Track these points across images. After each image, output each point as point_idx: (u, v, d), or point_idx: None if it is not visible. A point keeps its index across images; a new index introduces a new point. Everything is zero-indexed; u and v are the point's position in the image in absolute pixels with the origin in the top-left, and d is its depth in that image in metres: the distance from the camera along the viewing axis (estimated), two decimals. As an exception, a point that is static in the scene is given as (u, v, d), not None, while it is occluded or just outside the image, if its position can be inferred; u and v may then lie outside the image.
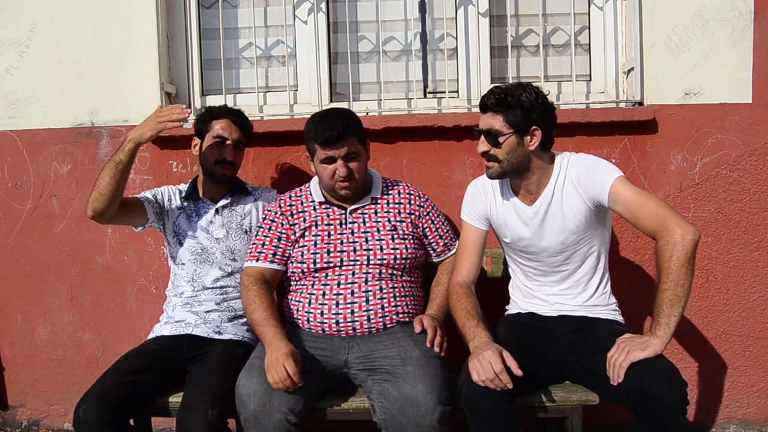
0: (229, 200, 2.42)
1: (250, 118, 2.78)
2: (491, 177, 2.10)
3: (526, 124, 1.99)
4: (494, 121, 2.01)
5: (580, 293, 2.15)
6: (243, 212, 2.44)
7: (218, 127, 2.35)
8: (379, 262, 2.15)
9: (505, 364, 1.82)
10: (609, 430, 2.70)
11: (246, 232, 2.41)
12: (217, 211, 2.40)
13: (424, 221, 2.28)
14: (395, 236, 2.19)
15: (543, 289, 2.20)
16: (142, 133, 2.21)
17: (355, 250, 2.16)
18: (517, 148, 2.02)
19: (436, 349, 2.04)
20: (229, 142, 2.35)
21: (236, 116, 2.40)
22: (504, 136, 2.00)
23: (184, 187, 2.49)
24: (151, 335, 2.35)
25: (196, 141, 2.41)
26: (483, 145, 2.05)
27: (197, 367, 2.14)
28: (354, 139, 2.13)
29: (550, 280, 2.18)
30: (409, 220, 2.25)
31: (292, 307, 2.22)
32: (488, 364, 1.81)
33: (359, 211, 2.22)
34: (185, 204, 2.42)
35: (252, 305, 2.11)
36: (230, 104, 2.91)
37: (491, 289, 2.39)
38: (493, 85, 2.07)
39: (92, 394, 1.98)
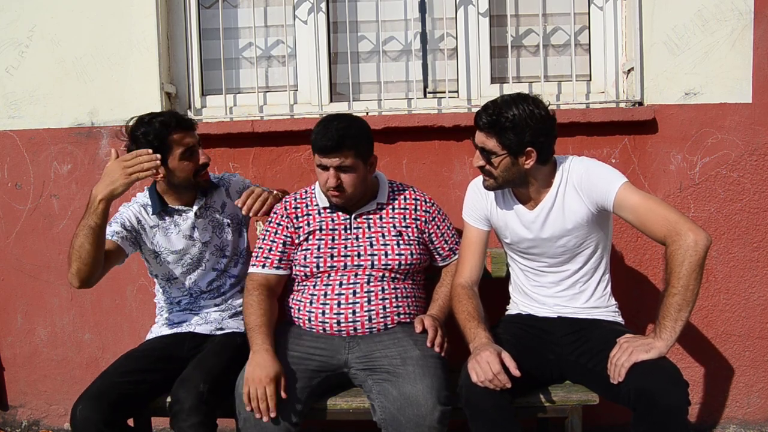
0: (203, 200, 2.31)
1: (250, 119, 2.80)
2: (488, 189, 2.10)
3: (520, 147, 1.94)
4: (488, 141, 1.97)
5: (578, 294, 2.15)
6: (218, 205, 2.36)
7: (177, 141, 2.15)
8: (383, 266, 2.14)
9: (503, 364, 1.82)
10: (609, 430, 2.70)
11: (228, 224, 2.35)
12: (196, 214, 2.29)
13: (430, 227, 2.26)
14: (401, 242, 2.18)
15: (542, 291, 2.19)
16: (113, 190, 2.00)
17: (359, 255, 2.15)
18: (512, 168, 1.99)
19: (437, 349, 2.04)
20: (196, 147, 2.21)
21: (180, 120, 2.18)
22: (498, 157, 1.97)
23: (142, 198, 2.31)
24: (150, 335, 2.34)
25: (162, 170, 2.12)
26: (479, 160, 2.03)
27: (198, 355, 2.16)
28: (350, 153, 2.05)
29: (549, 281, 2.17)
30: (414, 225, 2.23)
31: (293, 306, 2.21)
32: (486, 365, 1.81)
33: (364, 216, 2.21)
34: (157, 220, 2.27)
35: (249, 309, 2.11)
36: (230, 104, 2.92)
37: (491, 289, 2.38)
38: (488, 101, 2.00)
39: (89, 393, 1.98)
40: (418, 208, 2.26)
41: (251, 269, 2.22)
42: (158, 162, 2.03)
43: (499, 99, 1.99)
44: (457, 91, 2.90)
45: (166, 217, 2.28)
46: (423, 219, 2.25)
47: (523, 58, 2.95)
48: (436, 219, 2.28)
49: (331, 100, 2.94)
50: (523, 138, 1.93)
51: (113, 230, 2.19)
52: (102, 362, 2.87)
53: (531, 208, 2.10)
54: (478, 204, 2.22)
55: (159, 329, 2.34)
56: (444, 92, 2.85)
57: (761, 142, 2.68)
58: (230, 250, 2.35)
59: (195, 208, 2.29)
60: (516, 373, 1.80)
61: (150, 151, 2.04)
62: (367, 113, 2.82)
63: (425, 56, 2.96)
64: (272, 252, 2.21)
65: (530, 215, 2.09)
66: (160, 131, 2.12)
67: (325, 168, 2.08)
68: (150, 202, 2.28)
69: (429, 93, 2.96)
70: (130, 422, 2.11)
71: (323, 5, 2.89)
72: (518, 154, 1.96)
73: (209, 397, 1.93)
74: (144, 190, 2.33)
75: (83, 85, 2.82)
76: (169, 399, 2.11)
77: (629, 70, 2.78)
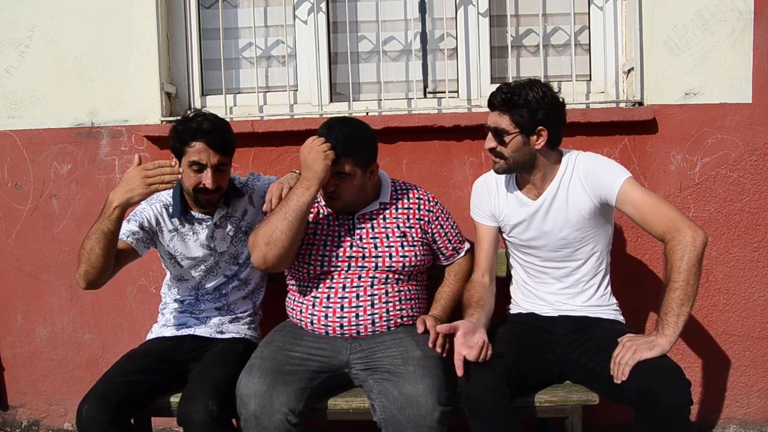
0: (225, 210, 2.27)
1: (250, 119, 2.80)
2: (498, 172, 2.14)
3: (532, 125, 2.01)
4: (501, 120, 2.03)
5: (580, 293, 2.16)
6: (240, 214, 2.32)
7: (193, 151, 2.08)
8: (387, 268, 2.13)
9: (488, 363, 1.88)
10: (609, 430, 2.70)
11: (246, 233, 2.31)
12: (216, 224, 2.26)
13: (433, 226, 2.24)
14: (405, 243, 2.17)
15: (543, 288, 2.20)
16: (130, 198, 1.96)
17: (363, 257, 2.13)
18: (523, 147, 2.04)
19: (438, 350, 2.04)
20: (207, 168, 2.10)
21: (213, 136, 2.08)
22: (510, 135, 2.02)
23: (166, 197, 2.25)
24: (151, 335, 2.34)
25: (174, 159, 2.11)
26: (490, 141, 2.07)
27: (199, 363, 2.15)
28: (348, 160, 2.02)
29: (550, 278, 2.18)
30: (418, 225, 2.21)
31: (295, 308, 2.21)
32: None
33: (366, 216, 2.19)
34: (177, 224, 2.23)
35: (266, 221, 2.06)
36: (230, 104, 2.92)
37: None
38: (501, 83, 2.08)
39: (94, 393, 1.98)
40: (422, 207, 2.25)
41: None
42: (179, 176, 1.97)
43: (512, 82, 2.05)
44: (457, 91, 2.90)
45: (186, 224, 2.24)
46: (426, 219, 2.24)
47: (523, 58, 2.95)
48: (440, 218, 2.27)
49: (331, 100, 2.94)
50: (536, 116, 1.99)
51: (130, 229, 2.15)
52: (102, 362, 2.87)
53: (534, 198, 2.12)
54: (484, 200, 2.25)
55: (159, 330, 2.34)
56: (444, 92, 2.85)
57: (761, 142, 2.68)
58: (243, 258, 2.32)
59: (216, 218, 2.24)
60: (442, 330, 1.95)
61: (173, 162, 1.98)
62: (367, 113, 2.82)
63: (425, 56, 2.96)
64: None
65: (534, 205, 2.12)
66: (186, 134, 2.07)
67: None
68: (169, 203, 2.24)
69: (429, 93, 2.96)
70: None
71: (323, 5, 2.89)
72: (530, 132, 2.02)
73: (219, 412, 1.93)
74: (168, 191, 2.23)
75: (83, 85, 2.82)
76: (172, 399, 2.11)
77: (629, 70, 2.78)
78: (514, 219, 2.17)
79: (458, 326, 1.93)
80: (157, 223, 2.23)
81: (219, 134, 2.11)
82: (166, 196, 2.25)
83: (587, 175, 2.06)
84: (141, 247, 2.19)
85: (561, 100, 2.07)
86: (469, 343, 1.88)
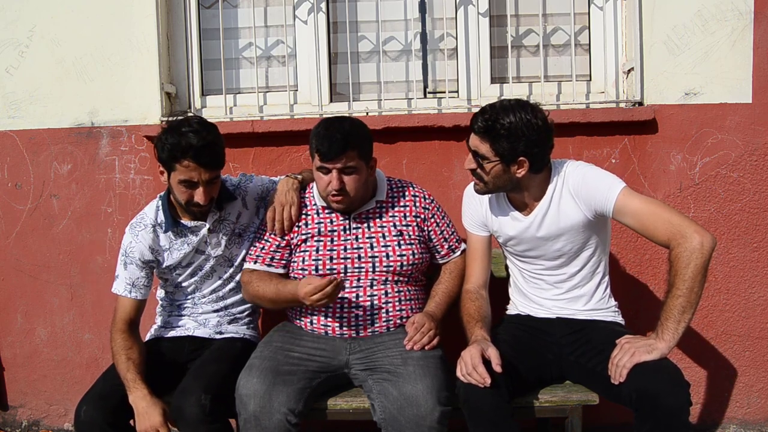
0: (218, 214, 2.21)
1: (250, 119, 2.80)
2: (478, 193, 2.09)
3: (513, 155, 1.93)
4: (481, 146, 1.96)
5: (578, 297, 2.15)
6: (233, 217, 2.26)
7: (183, 169, 2.01)
8: (385, 269, 2.13)
9: (486, 361, 1.83)
10: (609, 430, 2.70)
11: (240, 235, 2.29)
12: (209, 230, 2.20)
13: (429, 224, 2.24)
14: (401, 242, 2.16)
15: (541, 293, 2.19)
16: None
17: (359, 257, 2.13)
18: (504, 175, 1.98)
19: (417, 348, 2.02)
20: (199, 187, 2.04)
21: (203, 154, 1.99)
22: (490, 162, 1.96)
23: (150, 217, 2.19)
24: (149, 336, 2.33)
25: (163, 169, 2.08)
26: (470, 163, 2.01)
27: (197, 361, 2.15)
28: (353, 153, 2.02)
29: (547, 285, 2.17)
30: (415, 223, 2.21)
31: (295, 308, 2.21)
32: (469, 359, 1.84)
33: (363, 216, 2.19)
34: (172, 237, 2.19)
35: (259, 289, 2.14)
36: (230, 104, 2.91)
37: (491, 289, 2.38)
38: (486, 104, 1.98)
39: (93, 394, 1.98)
40: (418, 204, 2.24)
41: (245, 264, 2.24)
42: None
43: (497, 104, 1.96)
44: (457, 91, 2.90)
45: (180, 235, 2.20)
46: (422, 216, 2.23)
47: (523, 58, 2.95)
48: (436, 216, 2.26)
49: (331, 100, 2.94)
50: (517, 147, 1.92)
51: (138, 287, 2.18)
52: (102, 362, 2.87)
53: (526, 214, 2.09)
54: (474, 210, 2.21)
55: (158, 331, 2.33)
56: (444, 92, 2.85)
57: (761, 142, 2.68)
58: (239, 260, 2.30)
59: (208, 224, 2.19)
60: (497, 369, 1.80)
61: None
62: (367, 113, 2.82)
63: (425, 56, 2.96)
64: (264, 251, 2.21)
65: (525, 221, 2.09)
66: (175, 151, 1.98)
67: (327, 171, 2.05)
68: (160, 220, 2.19)
69: (429, 93, 2.96)
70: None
71: (323, 5, 2.89)
72: (510, 162, 1.95)
73: (213, 407, 1.92)
74: (152, 204, 2.23)
75: (83, 85, 2.82)
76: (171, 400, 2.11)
77: (629, 70, 2.77)
78: (506, 233, 2.14)
79: (493, 355, 1.85)
80: (152, 250, 2.18)
81: (209, 150, 2.01)
82: (150, 214, 2.20)
83: (578, 190, 2.00)
84: (150, 284, 2.21)
85: (550, 124, 1.95)
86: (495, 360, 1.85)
